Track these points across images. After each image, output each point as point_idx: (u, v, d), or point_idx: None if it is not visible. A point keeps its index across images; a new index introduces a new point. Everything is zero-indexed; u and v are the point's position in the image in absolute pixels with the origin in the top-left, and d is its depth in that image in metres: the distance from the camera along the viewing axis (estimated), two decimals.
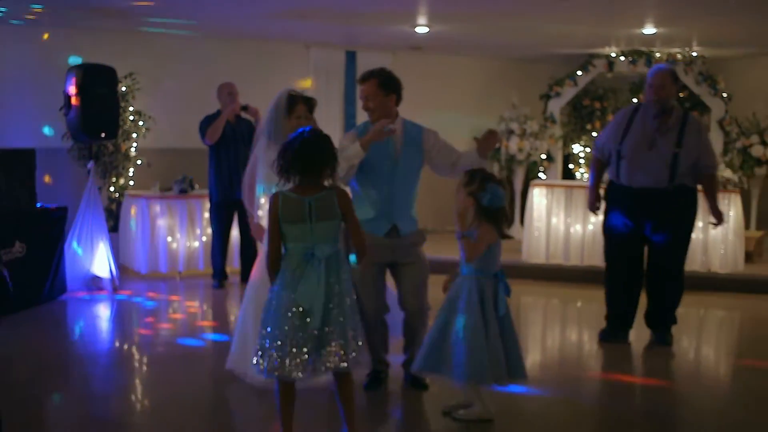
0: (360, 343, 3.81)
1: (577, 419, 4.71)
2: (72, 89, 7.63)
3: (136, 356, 5.93)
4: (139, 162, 9.22)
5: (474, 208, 4.28)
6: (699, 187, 6.08)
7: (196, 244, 8.75)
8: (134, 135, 9.08)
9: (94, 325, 6.85)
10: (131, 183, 9.18)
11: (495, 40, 10.16)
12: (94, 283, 7.85)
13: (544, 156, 10.82)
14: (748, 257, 9.02)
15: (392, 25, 9.06)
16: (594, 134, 11.42)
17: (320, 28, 9.38)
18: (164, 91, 9.52)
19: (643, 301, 6.24)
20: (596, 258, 8.31)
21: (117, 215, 9.01)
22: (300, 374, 3.68)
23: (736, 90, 10.49)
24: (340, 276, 3.78)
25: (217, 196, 7.90)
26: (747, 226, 9.92)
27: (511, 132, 10.71)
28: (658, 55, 10.40)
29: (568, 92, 10.88)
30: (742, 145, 9.93)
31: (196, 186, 8.96)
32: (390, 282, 4.96)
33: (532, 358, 5.96)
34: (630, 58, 10.46)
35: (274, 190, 3.87)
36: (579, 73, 10.74)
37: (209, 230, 8.48)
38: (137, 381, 5.35)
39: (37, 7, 7.92)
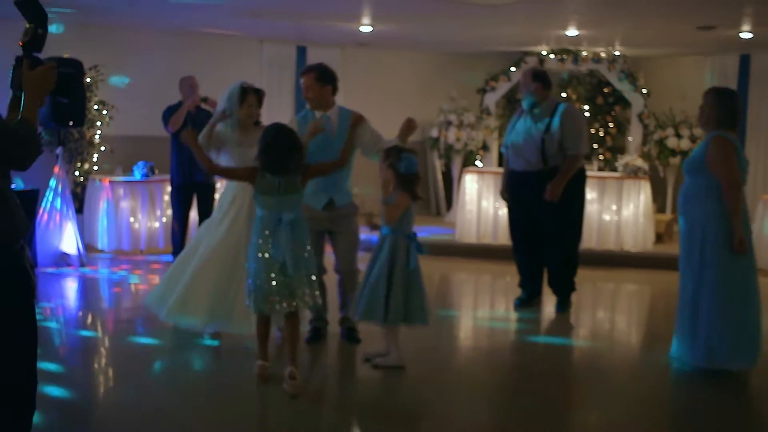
0: (317, 293, 4.83)
1: (486, 369, 5.61)
2: None
3: (104, 320, 6.67)
4: (102, 148, 9.91)
5: (394, 177, 5.10)
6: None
7: (157, 224, 9.49)
8: (98, 123, 9.76)
9: (65, 295, 7.57)
10: (95, 168, 9.87)
11: (435, 37, 10.99)
12: (62, 259, 8.55)
13: (480, 146, 11.71)
14: (659, 238, 10.02)
15: (339, 24, 9.85)
16: None
17: (273, 25, 10.12)
18: (127, 83, 10.20)
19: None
20: None
21: (82, 197, 9.69)
22: (275, 309, 4.76)
23: (654, 87, 11.46)
24: (302, 236, 4.79)
25: (178, 180, 8.61)
26: (663, 210, 10.96)
27: (449, 123, 11.58)
28: (584, 53, 11.33)
29: (503, 87, 11.77)
30: (659, 137, 10.90)
31: (157, 171, 9.68)
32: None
33: (462, 323, 6.86)
34: (559, 56, 11.38)
35: None
36: (513, 69, 11.61)
37: (169, 212, 9.22)
38: (106, 340, 6.10)
39: None
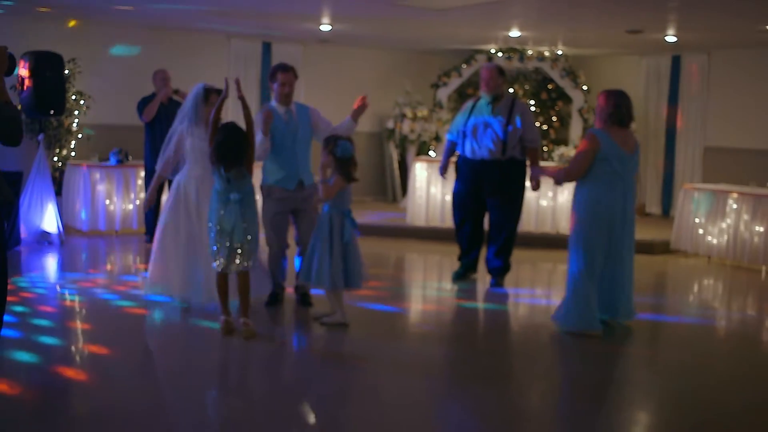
0: (256, 251, 5.78)
1: (417, 329, 6.50)
2: (25, 72, 9.03)
3: (85, 290, 7.45)
4: (79, 136, 10.65)
5: (332, 162, 5.95)
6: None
7: (131, 206, 10.26)
8: (76, 112, 10.50)
9: (47, 268, 8.33)
10: (72, 154, 10.61)
11: (391, 36, 11.84)
12: (44, 237, 9.30)
13: (433, 136, 12.59)
14: None
15: (301, 24, 10.66)
16: None
17: (240, 22, 10.91)
18: (102, 74, 10.94)
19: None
20: None
21: (60, 181, 10.42)
22: (229, 269, 5.74)
23: (594, 83, 12.40)
24: (248, 212, 5.74)
25: (151, 165, 9.38)
26: None
27: (404, 116, 12.46)
28: (530, 52, 12.25)
29: (455, 82, 12.66)
30: None
31: (130, 157, 10.45)
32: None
33: (406, 292, 7.74)
34: (506, 55, 12.29)
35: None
36: (464, 66, 12.51)
37: (142, 195, 9.99)
38: (88, 307, 6.89)
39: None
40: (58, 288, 7.40)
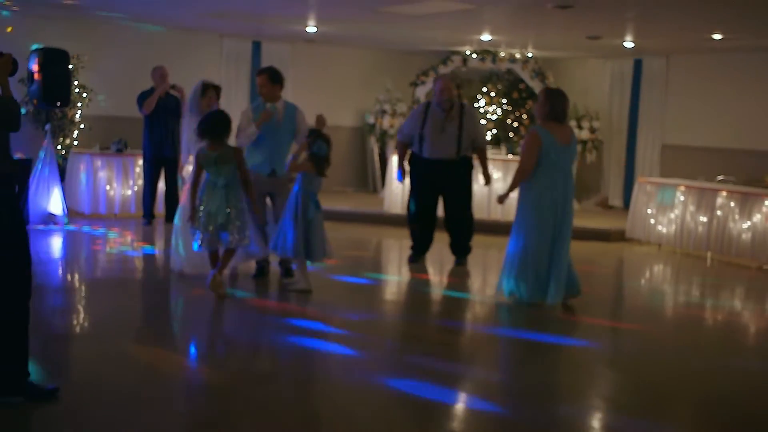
0: (246, 233, 6.61)
1: (374, 296, 7.45)
2: (34, 67, 9.86)
3: (91, 263, 8.32)
4: (82, 126, 11.48)
5: (307, 154, 6.85)
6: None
7: (129, 192, 11.13)
8: (79, 104, 11.33)
9: (54, 245, 9.18)
10: (75, 143, 11.45)
11: (373, 36, 12.71)
12: (50, 218, 10.15)
13: None
14: None
15: (289, 26, 11.52)
16: None
17: (232, 23, 11.77)
18: (103, 69, 11.78)
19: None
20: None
21: (64, 168, 11.26)
22: (215, 247, 6.61)
23: (561, 85, 13.20)
24: (233, 195, 6.61)
25: (150, 154, 10.24)
26: None
27: (384, 112, 13.34)
28: (502, 54, 13.15)
29: (432, 81, 13.53)
30: None
31: (128, 147, 11.29)
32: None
33: (374, 268, 8.63)
34: (480, 56, 13.18)
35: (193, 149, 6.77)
36: (441, 66, 13.39)
37: (140, 181, 10.85)
38: (97, 276, 7.76)
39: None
40: (66, 259, 8.26)
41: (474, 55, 13.20)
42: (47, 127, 10.29)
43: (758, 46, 11.26)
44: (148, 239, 9.78)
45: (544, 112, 6.94)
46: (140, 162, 10.76)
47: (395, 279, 8.53)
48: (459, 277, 8.40)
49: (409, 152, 8.76)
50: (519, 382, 5.26)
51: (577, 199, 12.74)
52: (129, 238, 9.70)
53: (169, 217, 9.67)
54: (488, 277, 8.68)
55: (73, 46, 10.82)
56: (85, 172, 10.90)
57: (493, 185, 10.91)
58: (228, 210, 6.57)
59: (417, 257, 8.91)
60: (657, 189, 10.72)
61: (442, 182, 8.56)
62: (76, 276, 7.79)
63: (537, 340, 6.16)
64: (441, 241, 9.00)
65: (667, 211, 10.48)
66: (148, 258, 8.64)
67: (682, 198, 10.31)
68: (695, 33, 10.45)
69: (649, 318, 7.14)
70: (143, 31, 12.24)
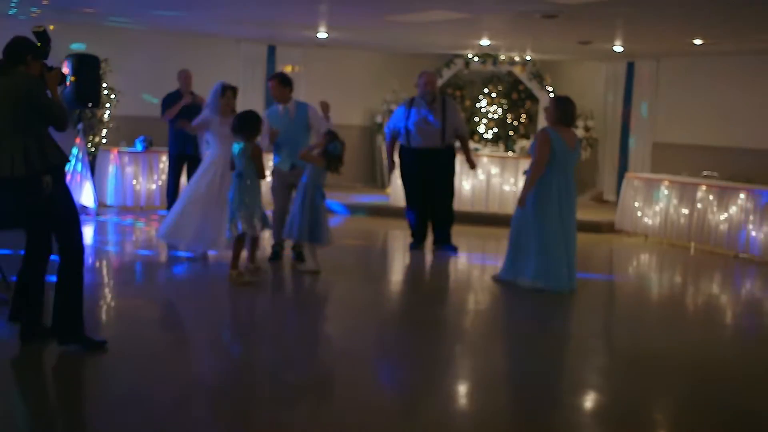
0: (261, 220, 7.47)
1: (374, 276, 8.25)
2: (68, 71, 10.77)
3: (124, 246, 9.21)
4: (110, 125, 12.38)
5: (322, 151, 7.70)
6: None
7: (154, 186, 12.03)
8: (107, 105, 12.23)
9: (87, 233, 10.08)
10: (104, 141, 12.35)
11: (380, 41, 13.53)
12: (82, 210, 11.05)
13: None
14: None
15: (301, 32, 12.37)
16: None
17: (249, 28, 12.62)
18: (129, 73, 12.67)
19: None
20: None
21: (94, 164, 12.17)
22: (247, 232, 7.34)
23: (558, 86, 14.08)
24: (249, 183, 7.38)
25: (173, 151, 11.11)
26: None
27: (391, 111, 14.11)
28: (502, 57, 13.94)
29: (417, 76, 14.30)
30: None
31: (153, 144, 12.18)
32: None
33: (379, 254, 9.48)
34: (481, 59, 13.99)
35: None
36: (444, 69, 14.19)
37: (164, 176, 11.74)
38: (117, 257, 8.66)
39: (34, 10, 11.09)
40: (98, 245, 9.16)
41: (476, 59, 13.99)
42: (80, 126, 11.19)
43: (739, 50, 12.01)
44: None
45: (555, 117, 7.56)
46: (164, 158, 11.66)
47: (400, 263, 9.35)
48: (453, 261, 9.24)
49: (398, 144, 9.55)
50: (518, 367, 5.67)
51: None
52: (154, 227, 10.59)
53: None
54: (486, 266, 9.49)
55: (101, 51, 11.79)
56: (113, 168, 11.80)
57: (491, 180, 11.79)
58: (246, 200, 7.34)
59: (417, 244, 9.72)
60: (643, 184, 11.50)
61: (428, 169, 9.31)
62: (111, 259, 8.69)
63: (533, 324, 6.77)
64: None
65: (653, 204, 11.26)
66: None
67: (666, 192, 11.09)
68: (678, 39, 11.22)
69: (641, 304, 7.90)
70: (165, 37, 13.11)
